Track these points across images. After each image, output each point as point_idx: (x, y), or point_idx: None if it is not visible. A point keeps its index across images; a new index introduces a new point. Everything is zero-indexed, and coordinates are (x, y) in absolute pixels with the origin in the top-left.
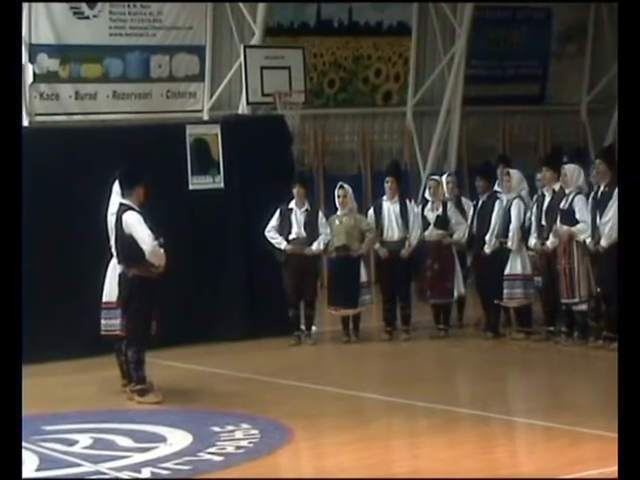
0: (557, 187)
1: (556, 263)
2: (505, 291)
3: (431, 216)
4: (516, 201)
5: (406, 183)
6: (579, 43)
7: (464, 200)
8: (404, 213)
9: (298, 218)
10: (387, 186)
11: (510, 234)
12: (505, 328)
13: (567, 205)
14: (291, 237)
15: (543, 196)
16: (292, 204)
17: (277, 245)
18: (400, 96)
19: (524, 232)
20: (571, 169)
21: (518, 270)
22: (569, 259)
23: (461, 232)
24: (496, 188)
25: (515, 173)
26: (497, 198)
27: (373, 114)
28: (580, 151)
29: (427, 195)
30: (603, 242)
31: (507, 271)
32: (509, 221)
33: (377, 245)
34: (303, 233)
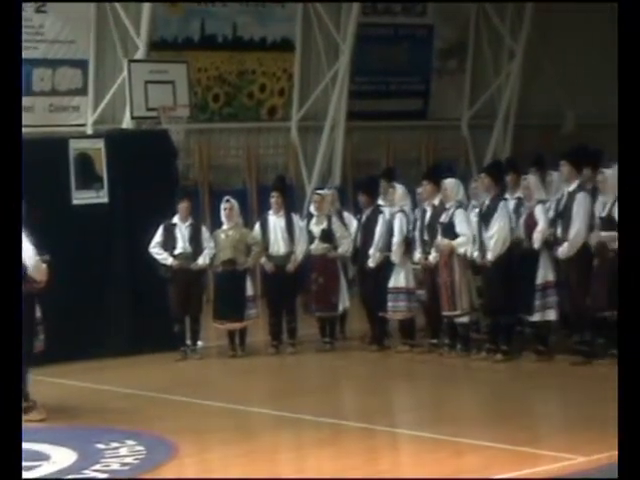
0: (437, 201)
1: (438, 276)
2: (389, 304)
3: (316, 230)
4: (399, 215)
5: (291, 197)
6: (460, 60)
7: (346, 214)
8: (290, 227)
9: (182, 233)
10: (273, 200)
11: (393, 248)
12: (389, 340)
13: (447, 219)
14: (176, 252)
15: (424, 210)
16: (176, 219)
17: (162, 261)
18: (285, 111)
19: (408, 245)
20: (451, 183)
21: (402, 283)
22: (450, 272)
23: (346, 246)
24: (379, 202)
25: (399, 187)
26: (380, 212)
27: (258, 129)
28: (460, 166)
29: (312, 209)
30: (489, 256)
31: (391, 284)
32: (393, 235)
33: (263, 259)
34: (188, 248)
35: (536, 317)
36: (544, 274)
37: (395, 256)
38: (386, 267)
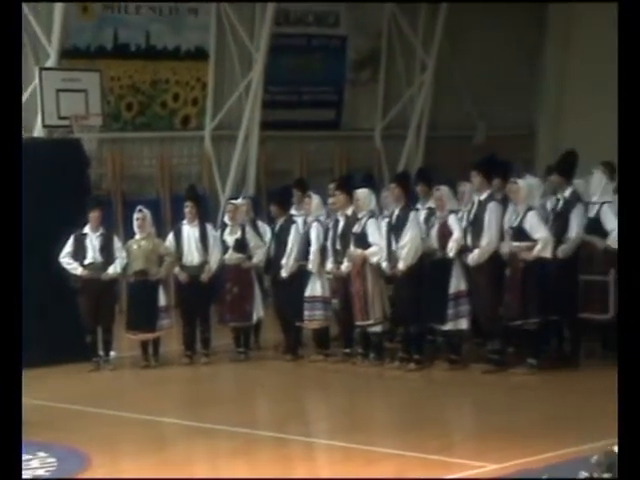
0: (350, 211)
1: (350, 286)
2: (306, 313)
3: (230, 240)
4: (315, 224)
5: (205, 207)
6: (373, 70)
7: (260, 224)
8: (204, 237)
9: (93, 243)
10: (186, 210)
11: (310, 257)
12: (303, 350)
13: (360, 229)
14: (86, 262)
15: (337, 220)
16: (87, 229)
17: (73, 271)
18: (198, 120)
19: (324, 255)
20: (363, 193)
21: (318, 292)
22: (363, 282)
23: (260, 255)
24: (293, 212)
25: (315, 197)
26: (293, 222)
27: (171, 138)
28: (372, 176)
29: (226, 219)
30: (400, 265)
31: (307, 293)
32: (309, 244)
33: (177, 269)
34: (99, 258)
35: (448, 326)
36: (456, 283)
37: (312, 265)
38: (300, 276)
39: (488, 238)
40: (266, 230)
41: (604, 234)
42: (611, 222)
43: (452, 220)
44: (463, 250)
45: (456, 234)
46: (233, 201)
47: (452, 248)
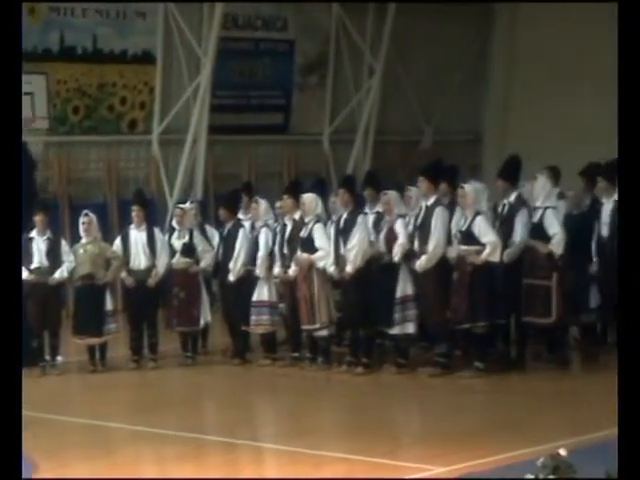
0: (297, 216)
1: (297, 290)
2: (252, 317)
3: (178, 244)
4: (264, 229)
5: (153, 211)
6: (320, 75)
7: (208, 228)
8: (151, 241)
9: (39, 247)
10: (134, 214)
11: (258, 262)
12: (251, 354)
13: (307, 233)
14: (33, 266)
15: (284, 225)
16: (33, 233)
17: None
18: (146, 124)
19: (272, 259)
20: (310, 198)
21: (265, 297)
22: (310, 286)
23: (208, 260)
24: (240, 216)
25: (262, 202)
26: (241, 226)
27: (118, 142)
28: (323, 180)
29: (174, 223)
30: (348, 269)
31: (255, 298)
32: (257, 249)
33: (124, 274)
34: (45, 262)
35: (396, 330)
36: (403, 287)
37: (260, 270)
38: (249, 281)
39: (435, 243)
40: (214, 234)
41: (547, 239)
42: (553, 227)
43: (398, 225)
44: (409, 254)
45: (401, 239)
46: (181, 205)
47: (397, 252)
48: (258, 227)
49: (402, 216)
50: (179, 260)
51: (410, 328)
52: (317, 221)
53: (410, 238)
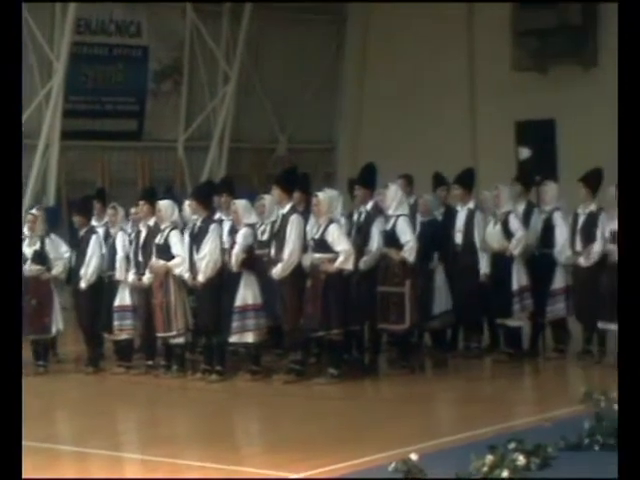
0: (152, 222)
1: (153, 298)
2: (115, 323)
3: (29, 251)
4: (120, 233)
5: None
6: (175, 81)
7: (54, 236)
8: None
9: None
10: None
11: (117, 265)
12: (105, 362)
13: (163, 240)
14: None
15: (139, 231)
16: None
17: None
18: None
19: (129, 265)
20: (165, 204)
21: (127, 302)
22: (165, 294)
23: (60, 267)
24: (94, 223)
25: (120, 209)
26: (94, 233)
27: None
28: (172, 187)
29: (25, 230)
30: (200, 277)
31: (117, 303)
32: (115, 253)
33: None
34: None
35: (234, 339)
36: (243, 296)
37: (119, 274)
38: (105, 287)
39: (291, 251)
40: (60, 242)
41: (400, 246)
42: (406, 235)
43: (239, 234)
44: (249, 263)
45: (237, 248)
46: (32, 211)
47: (233, 262)
48: (114, 233)
49: (251, 225)
50: (31, 267)
51: (249, 337)
52: (173, 228)
53: (265, 245)
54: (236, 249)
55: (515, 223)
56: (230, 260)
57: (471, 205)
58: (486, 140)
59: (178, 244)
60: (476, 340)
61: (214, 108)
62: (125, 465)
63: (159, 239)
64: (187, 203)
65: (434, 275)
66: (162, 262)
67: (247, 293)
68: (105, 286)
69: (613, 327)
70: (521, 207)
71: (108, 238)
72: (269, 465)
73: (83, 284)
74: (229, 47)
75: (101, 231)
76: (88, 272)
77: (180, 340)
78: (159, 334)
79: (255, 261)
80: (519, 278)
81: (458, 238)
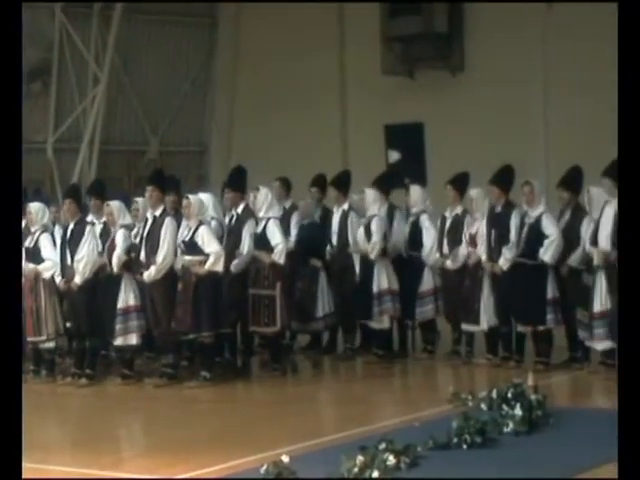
0: (23, 225)
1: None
2: None
3: None
4: None
5: None
6: (44, 82)
7: None
8: None
9: None
10: None
11: None
12: None
13: (33, 243)
14: None
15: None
16: None
17: None
18: None
19: None
20: (35, 207)
21: None
22: (36, 298)
23: None
24: None
25: None
26: None
27: None
28: (37, 190)
29: None
30: (77, 280)
31: None
32: None
33: None
34: None
35: (119, 341)
36: (125, 298)
37: None
38: None
39: (164, 254)
40: None
41: (270, 249)
42: (275, 237)
43: (118, 236)
44: (130, 265)
45: (118, 250)
46: None
47: (115, 264)
48: None
49: (126, 226)
50: None
51: (133, 339)
52: (44, 231)
53: (134, 249)
54: (117, 251)
55: (374, 226)
56: (111, 262)
57: (345, 207)
58: (357, 143)
59: (48, 247)
60: (349, 342)
61: (84, 110)
62: None
63: (29, 242)
64: (54, 206)
65: (318, 277)
66: (32, 266)
67: (129, 295)
68: None
69: (475, 328)
70: (383, 211)
71: None
72: (139, 469)
73: None
74: (99, 49)
75: None
76: None
77: (50, 345)
78: (29, 338)
79: (133, 263)
80: (379, 281)
81: (334, 240)
